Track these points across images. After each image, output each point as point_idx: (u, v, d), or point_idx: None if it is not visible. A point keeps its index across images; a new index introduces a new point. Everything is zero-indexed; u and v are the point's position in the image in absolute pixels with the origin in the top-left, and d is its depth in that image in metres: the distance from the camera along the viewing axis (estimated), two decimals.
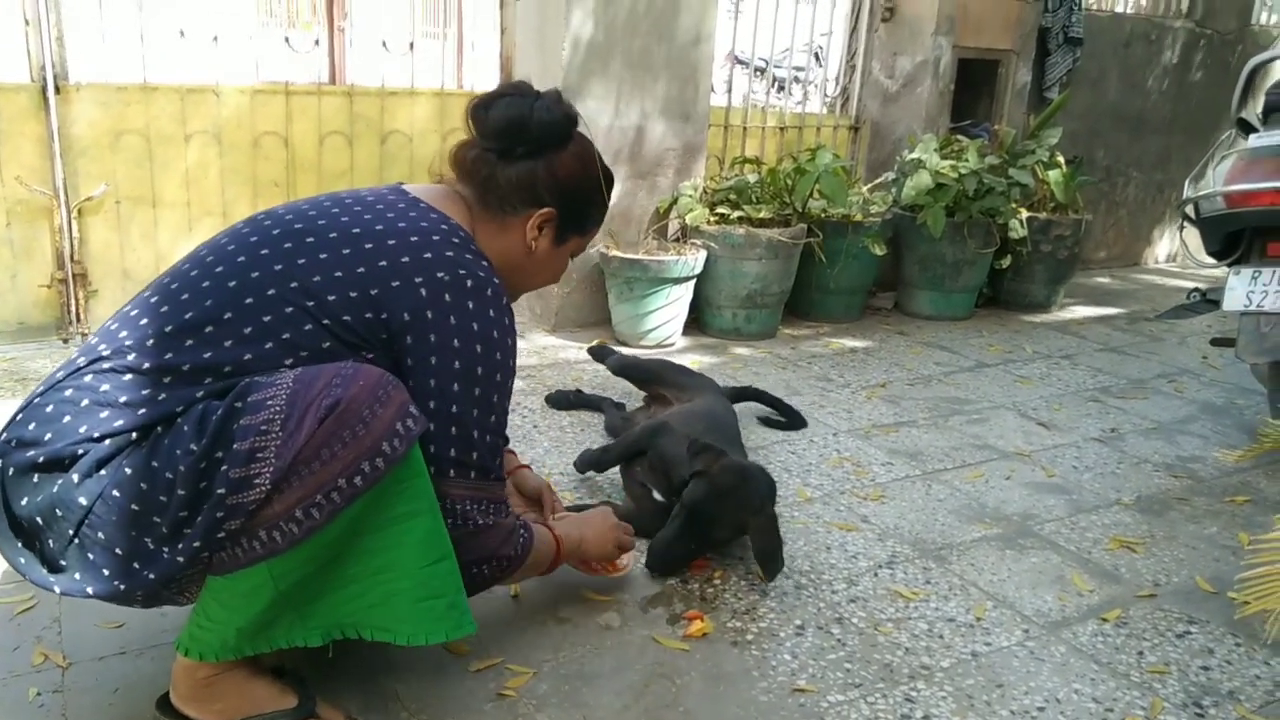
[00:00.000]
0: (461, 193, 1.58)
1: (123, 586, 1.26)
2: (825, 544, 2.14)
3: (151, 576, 1.25)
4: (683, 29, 3.65)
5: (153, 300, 1.39)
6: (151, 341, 1.33)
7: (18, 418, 1.33)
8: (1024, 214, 4.17)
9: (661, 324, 3.54)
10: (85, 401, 1.30)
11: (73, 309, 3.15)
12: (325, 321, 1.36)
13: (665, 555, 1.89)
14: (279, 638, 1.35)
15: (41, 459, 1.27)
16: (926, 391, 3.24)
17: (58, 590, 1.27)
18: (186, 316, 1.35)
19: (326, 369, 1.29)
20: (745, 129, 4.25)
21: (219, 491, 1.22)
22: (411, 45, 3.46)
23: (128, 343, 1.34)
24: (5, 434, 1.32)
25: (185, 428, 1.26)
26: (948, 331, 4.05)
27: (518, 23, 3.68)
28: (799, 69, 4.75)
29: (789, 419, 2.77)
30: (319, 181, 3.43)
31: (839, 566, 2.05)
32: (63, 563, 1.28)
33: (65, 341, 3.15)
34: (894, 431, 2.85)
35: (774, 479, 2.03)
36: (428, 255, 1.42)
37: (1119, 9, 5.33)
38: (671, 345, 3.61)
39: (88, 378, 1.32)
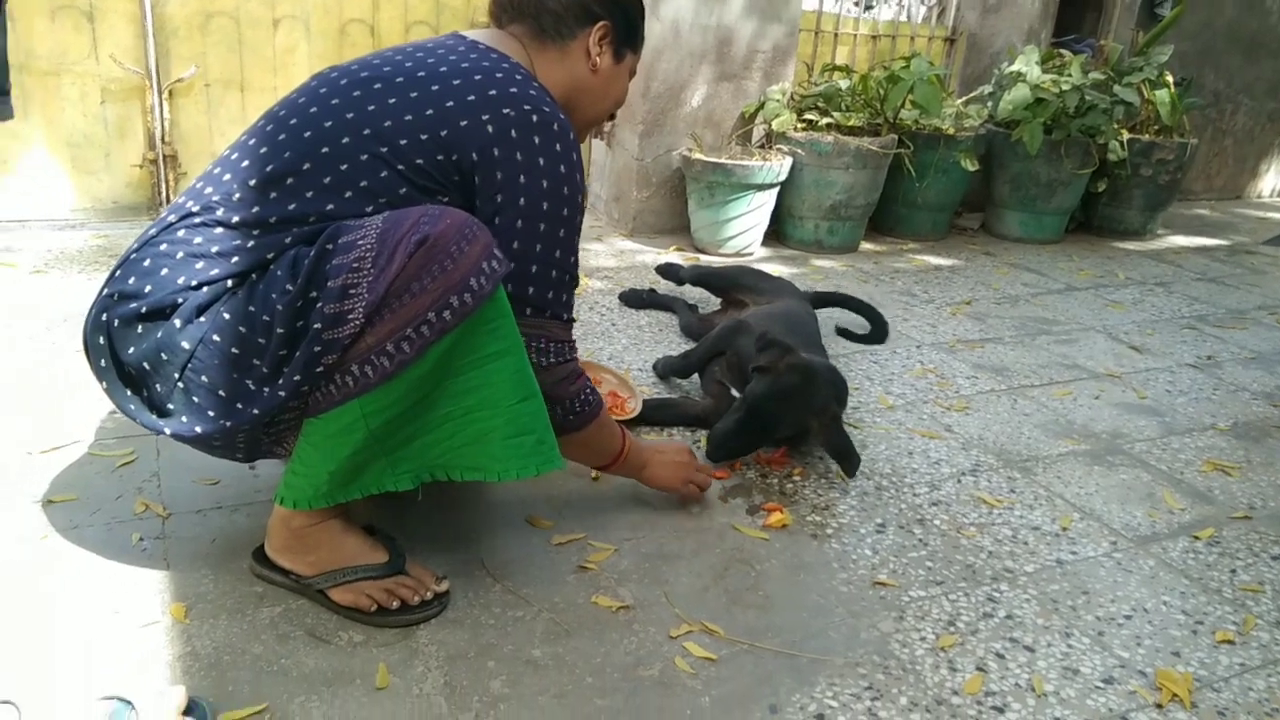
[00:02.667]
0: (514, 32, 1.57)
1: (228, 424, 1.29)
2: (907, 449, 2.11)
3: (256, 412, 1.27)
4: None
5: (233, 157, 1.41)
6: (237, 196, 1.35)
7: (116, 274, 1.35)
8: (1125, 135, 3.99)
9: (741, 232, 3.49)
10: (180, 254, 1.32)
11: (163, 190, 3.20)
12: (400, 167, 1.36)
13: (723, 445, 1.87)
14: (370, 482, 1.37)
15: (144, 309, 1.30)
16: (1013, 311, 3.16)
17: (168, 431, 1.31)
18: (268, 169, 1.36)
19: (413, 210, 1.29)
20: (836, 35, 4.11)
21: (315, 327, 1.23)
22: None
23: (215, 199, 1.36)
24: (106, 289, 1.35)
25: (279, 272, 1.27)
26: (1035, 254, 3.92)
27: None
28: None
29: (874, 327, 2.70)
30: None
31: (921, 471, 2.02)
32: (170, 406, 1.31)
33: None
34: (979, 347, 2.78)
35: (846, 381, 2.00)
36: (493, 92, 1.41)
37: None
38: (750, 255, 3.56)
39: (180, 232, 1.34)
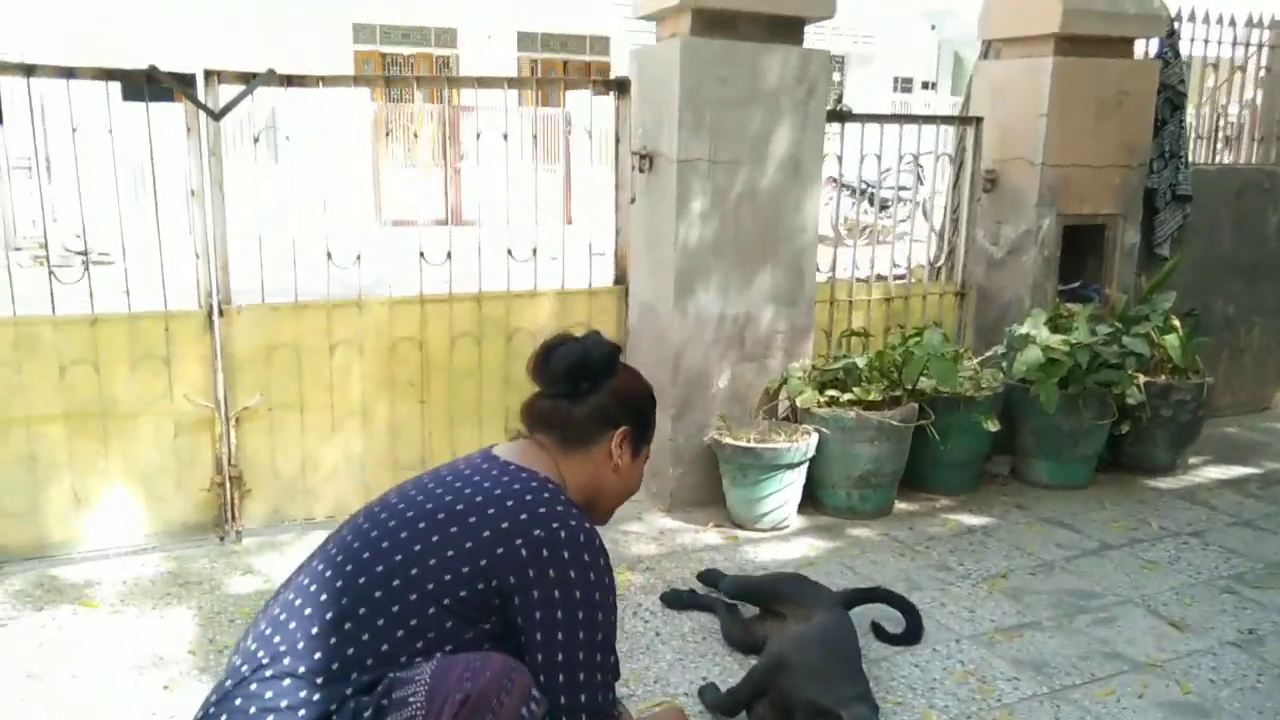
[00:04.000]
0: (541, 441, 1.77)
1: None
2: None
3: None
4: (788, 222, 3.82)
5: (297, 603, 1.58)
6: (301, 645, 1.51)
7: None
8: (1141, 379, 4.12)
9: (776, 508, 3.61)
10: (253, 709, 1.48)
11: (229, 509, 3.41)
12: (446, 601, 1.53)
13: None
14: None
15: None
16: (1049, 583, 3.20)
17: None
18: (327, 617, 1.53)
19: (458, 662, 1.45)
20: (851, 303, 4.35)
21: None
22: (534, 251, 3.71)
23: (282, 649, 1.52)
24: None
25: None
26: (1067, 502, 3.99)
27: (632, 224, 3.92)
28: (903, 188, 4.90)
29: (908, 624, 2.76)
30: (449, 379, 3.67)
31: None
32: None
33: (221, 540, 3.40)
34: (1018, 636, 2.82)
35: None
36: (524, 516, 1.59)
37: (1228, 161, 5.31)
38: (786, 527, 3.67)
39: (253, 686, 1.50)
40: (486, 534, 1.57)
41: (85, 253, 3.17)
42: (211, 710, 1.52)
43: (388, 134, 13.19)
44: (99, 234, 3.49)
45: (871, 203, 6.62)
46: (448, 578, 1.54)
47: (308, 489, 3.56)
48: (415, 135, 12.37)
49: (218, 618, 2.88)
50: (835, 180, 4.64)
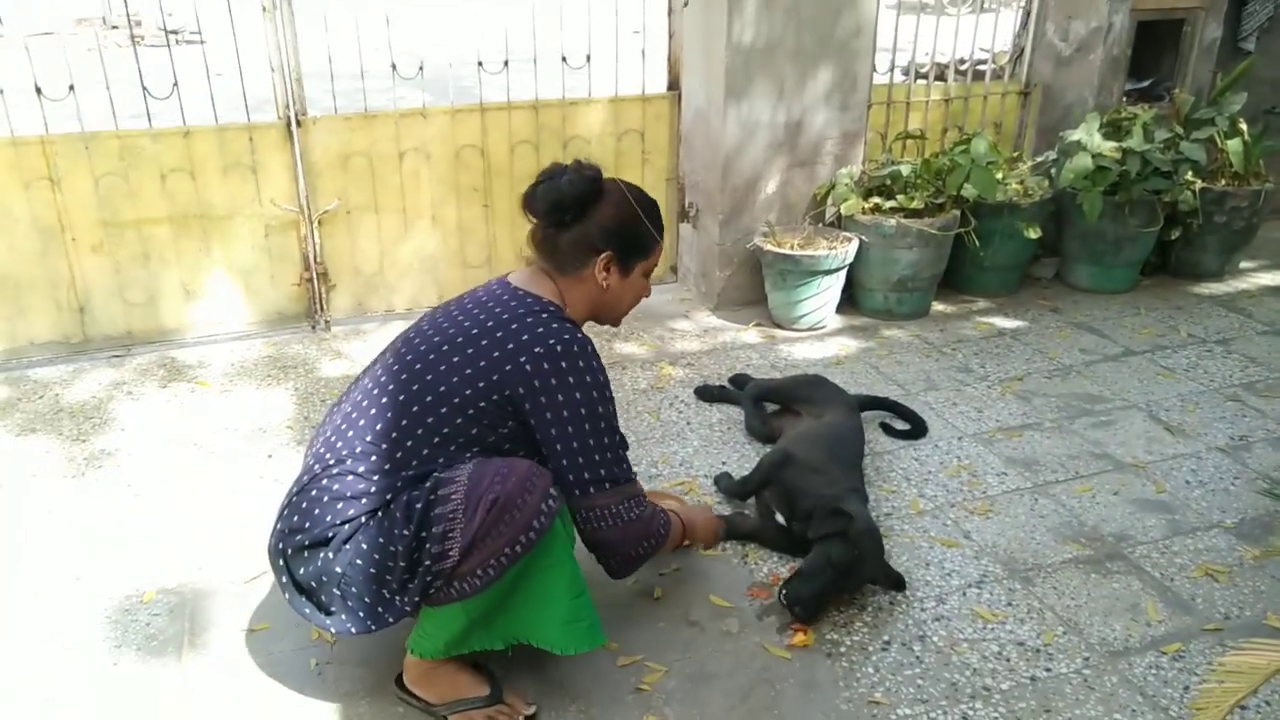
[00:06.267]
0: (543, 267, 2.04)
1: (373, 626, 1.83)
2: (926, 560, 2.49)
3: (390, 620, 1.82)
4: (841, 25, 3.82)
5: (353, 415, 1.93)
6: (359, 449, 1.87)
7: (285, 512, 1.90)
8: (1198, 184, 4.11)
9: (813, 310, 3.86)
10: (326, 499, 1.85)
11: (318, 301, 3.82)
12: (470, 412, 1.86)
13: (813, 606, 2.21)
14: (474, 643, 1.91)
15: (307, 542, 1.84)
16: (1062, 386, 3.42)
17: (332, 630, 1.85)
18: (378, 428, 1.88)
19: (490, 468, 1.78)
20: (908, 104, 4.36)
21: (426, 562, 1.75)
22: (588, 58, 3.82)
23: (344, 453, 1.88)
24: (280, 524, 1.90)
25: (398, 514, 1.78)
26: (1104, 307, 4.12)
27: (685, 28, 3.96)
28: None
29: (912, 426, 3.06)
30: (511, 184, 3.91)
31: (933, 584, 2.40)
32: (333, 609, 1.85)
33: (313, 328, 3.84)
34: (1017, 436, 3.09)
35: (878, 527, 2.39)
36: (525, 337, 1.89)
37: None
38: (824, 328, 3.93)
39: (324, 481, 1.87)
40: (496, 354, 1.88)
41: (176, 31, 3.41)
42: (294, 499, 1.91)
43: None
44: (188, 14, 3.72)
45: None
46: (468, 392, 1.86)
47: (386, 284, 3.94)
48: None
49: (311, 397, 3.34)
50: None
